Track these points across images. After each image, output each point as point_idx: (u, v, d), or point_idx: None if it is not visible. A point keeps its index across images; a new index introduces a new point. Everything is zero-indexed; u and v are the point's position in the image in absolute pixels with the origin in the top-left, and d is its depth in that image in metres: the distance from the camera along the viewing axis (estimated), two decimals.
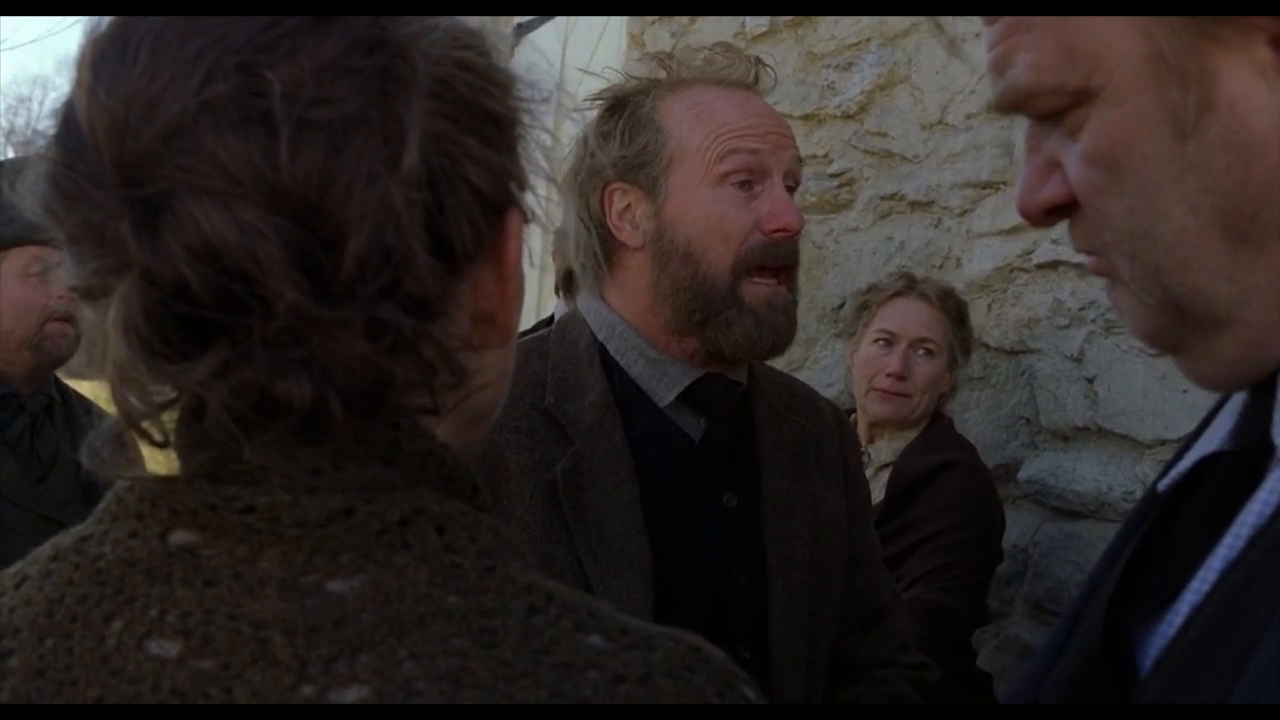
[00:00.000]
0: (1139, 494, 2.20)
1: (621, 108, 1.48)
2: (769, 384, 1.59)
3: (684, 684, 0.60)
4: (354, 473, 0.62)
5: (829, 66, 3.05)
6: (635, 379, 1.47)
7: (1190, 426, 0.77)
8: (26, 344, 2.25)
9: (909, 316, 2.42)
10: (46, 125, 0.63)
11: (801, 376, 2.88)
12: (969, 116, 2.67)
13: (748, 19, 3.25)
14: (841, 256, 3.06)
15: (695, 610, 1.40)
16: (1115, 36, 0.63)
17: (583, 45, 4.18)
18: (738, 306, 1.43)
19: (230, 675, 0.58)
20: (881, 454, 2.43)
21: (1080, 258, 0.71)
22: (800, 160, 1.51)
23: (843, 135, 3.03)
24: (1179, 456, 0.75)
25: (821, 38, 3.07)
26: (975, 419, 2.67)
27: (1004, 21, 0.67)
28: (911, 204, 2.86)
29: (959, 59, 2.52)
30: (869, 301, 2.50)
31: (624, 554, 1.38)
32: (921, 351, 2.41)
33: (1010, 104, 0.68)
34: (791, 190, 1.48)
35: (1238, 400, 0.70)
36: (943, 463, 2.32)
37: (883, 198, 2.94)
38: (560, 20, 4.43)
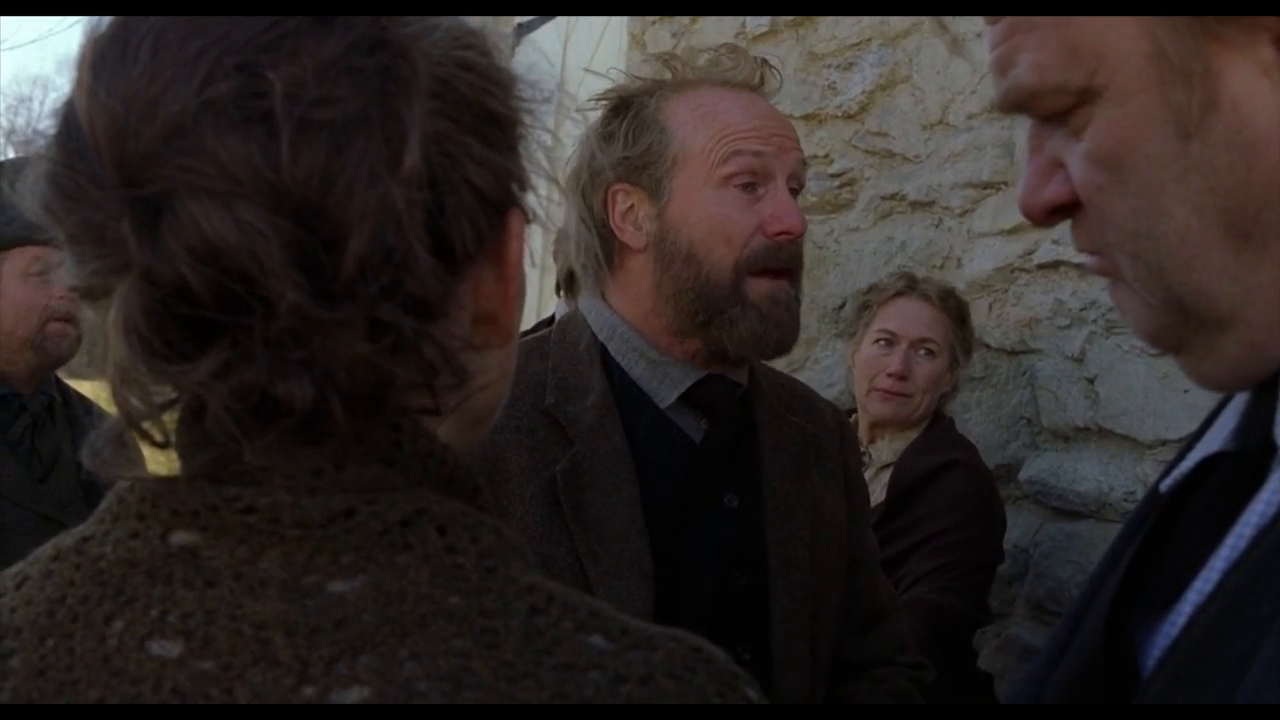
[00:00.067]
0: (1140, 494, 2.20)
1: (626, 108, 1.48)
2: (769, 385, 1.59)
3: (686, 684, 0.60)
4: (355, 473, 0.62)
5: (830, 66, 3.05)
6: (636, 380, 1.47)
7: (1191, 427, 0.77)
8: (28, 344, 2.25)
9: (910, 316, 2.42)
10: (47, 125, 0.63)
11: (802, 376, 2.89)
12: (970, 116, 2.67)
13: (748, 19, 3.25)
14: (842, 256, 3.06)
15: (696, 611, 1.40)
16: (1119, 36, 0.63)
17: (583, 45, 4.18)
18: (741, 304, 1.43)
19: (231, 676, 0.58)
20: (883, 454, 2.43)
21: (1081, 258, 0.71)
22: (804, 163, 1.51)
23: (843, 135, 3.03)
24: (1181, 457, 0.75)
25: (822, 38, 3.07)
26: (976, 419, 2.67)
27: (1006, 21, 0.67)
28: (912, 204, 2.86)
29: (962, 57, 2.52)
30: (870, 301, 2.50)
31: (624, 555, 1.38)
32: (922, 352, 2.41)
33: (1013, 104, 0.68)
34: (795, 193, 1.48)
35: (1240, 400, 0.70)
36: (944, 463, 2.32)
37: (883, 198, 2.94)
38: (561, 20, 4.43)
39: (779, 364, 1.72)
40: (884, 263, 2.91)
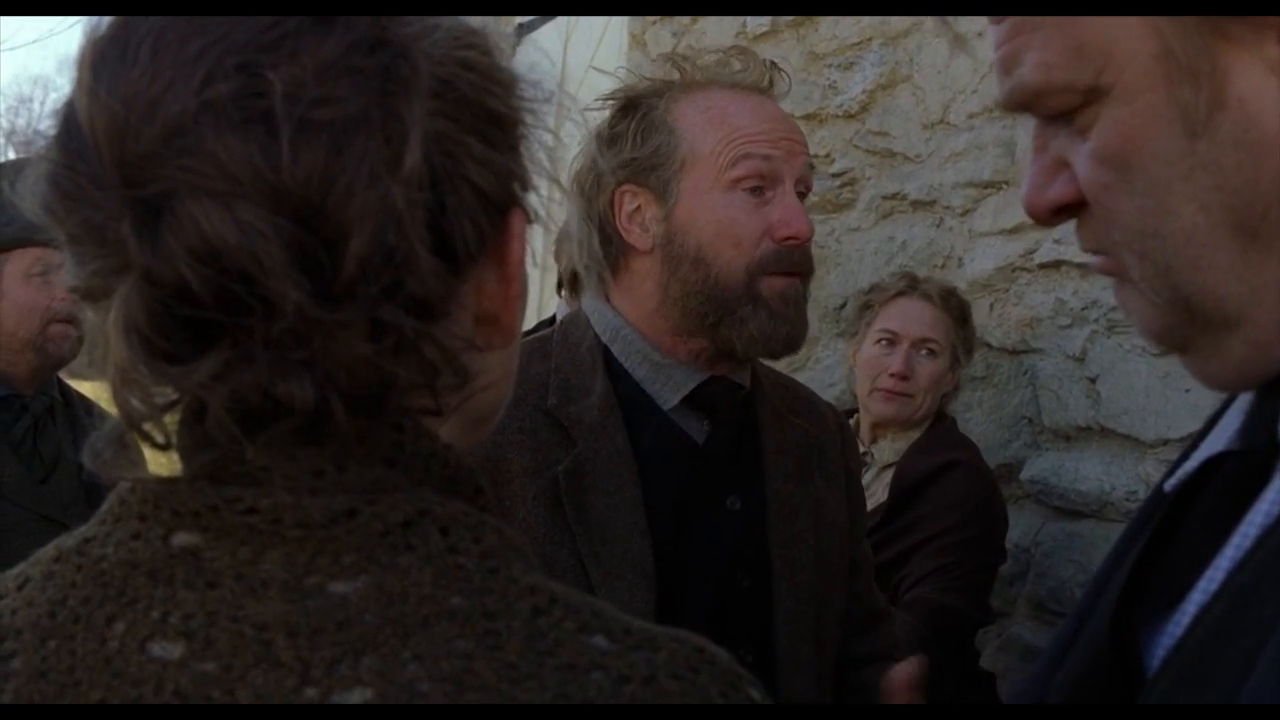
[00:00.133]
0: (1141, 494, 2.20)
1: (634, 109, 1.48)
2: (772, 387, 1.59)
3: (689, 685, 0.60)
4: (357, 474, 0.62)
5: (831, 66, 3.05)
6: (639, 381, 1.47)
7: (1193, 426, 0.77)
8: (29, 345, 2.25)
9: (911, 316, 2.42)
10: (47, 126, 0.62)
11: (803, 376, 2.89)
12: (971, 116, 2.67)
13: (749, 19, 3.25)
14: (843, 256, 3.06)
15: (698, 613, 1.40)
16: (1125, 34, 0.63)
17: (584, 45, 4.18)
18: (753, 302, 1.43)
19: (233, 677, 0.58)
20: (884, 454, 2.43)
21: (1083, 257, 0.71)
22: (812, 166, 1.51)
23: (844, 135, 3.03)
24: (1185, 456, 0.75)
25: (823, 37, 3.07)
26: (977, 419, 2.67)
27: (1011, 20, 0.66)
28: (913, 203, 2.86)
29: (965, 53, 2.51)
30: (871, 301, 2.50)
31: (626, 556, 1.38)
32: (924, 351, 2.41)
33: (1018, 103, 0.68)
34: (803, 196, 1.48)
35: (1244, 400, 0.70)
36: (946, 463, 2.32)
37: (884, 197, 2.94)
38: (561, 20, 4.43)
39: (780, 364, 1.72)
40: (885, 262, 2.91)
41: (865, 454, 2.43)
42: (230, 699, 0.58)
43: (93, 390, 2.39)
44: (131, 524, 0.63)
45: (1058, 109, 0.66)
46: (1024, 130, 2.49)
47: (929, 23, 2.75)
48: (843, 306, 3.00)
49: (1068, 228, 0.70)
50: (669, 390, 1.47)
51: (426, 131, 0.60)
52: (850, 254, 3.04)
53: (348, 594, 0.59)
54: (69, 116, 0.61)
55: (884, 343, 2.43)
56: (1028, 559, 2.50)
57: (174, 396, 0.62)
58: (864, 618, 1.65)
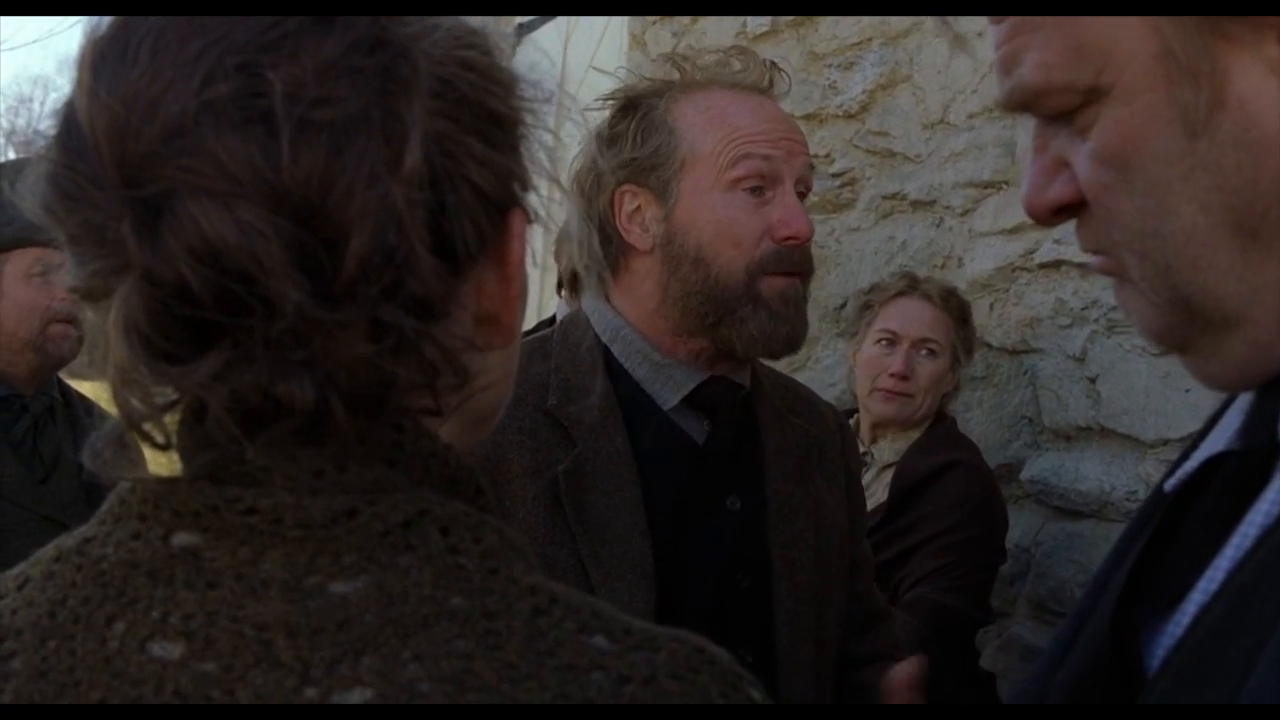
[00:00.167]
0: (1142, 494, 2.20)
1: (634, 109, 1.48)
2: (772, 387, 1.59)
3: (689, 685, 0.60)
4: (357, 474, 0.62)
5: (830, 66, 3.05)
6: (639, 382, 1.47)
7: (1193, 426, 0.77)
8: (29, 345, 2.25)
9: (911, 316, 2.42)
10: (47, 126, 0.62)
11: (803, 376, 2.89)
12: (971, 116, 2.67)
13: (749, 18, 3.25)
14: (843, 256, 3.06)
15: (698, 613, 1.39)
16: (1125, 34, 0.63)
17: (584, 45, 4.18)
18: (754, 302, 1.43)
19: (233, 677, 0.58)
20: (885, 454, 2.43)
21: (1083, 257, 0.71)
22: (812, 166, 1.51)
23: (844, 135, 3.03)
24: (1185, 456, 0.75)
25: (823, 37, 3.07)
26: (977, 419, 2.67)
27: (1011, 20, 0.66)
28: (913, 203, 2.86)
29: (965, 53, 2.51)
30: (871, 301, 2.50)
31: (626, 556, 1.38)
32: (924, 351, 2.41)
33: (1018, 103, 0.68)
34: (803, 196, 1.48)
35: (1244, 400, 0.70)
36: (946, 463, 2.32)
37: (884, 197, 2.94)
38: (561, 20, 4.43)
39: (780, 364, 1.72)
40: (885, 262, 2.91)
41: (865, 454, 2.43)
42: (230, 699, 0.58)
43: (93, 390, 2.39)
44: (131, 524, 0.63)
45: (1058, 109, 0.66)
46: (1024, 130, 2.49)
47: (929, 23, 2.75)
48: (842, 306, 3.00)
49: (1067, 228, 0.70)
50: (669, 390, 1.47)
51: (427, 131, 0.60)
52: (850, 254, 3.04)
53: (348, 594, 0.59)
54: (69, 116, 0.61)
55: (884, 343, 2.43)
56: (1028, 559, 2.50)
57: (174, 396, 0.62)
58: (864, 618, 1.65)
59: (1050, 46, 0.64)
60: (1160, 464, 2.20)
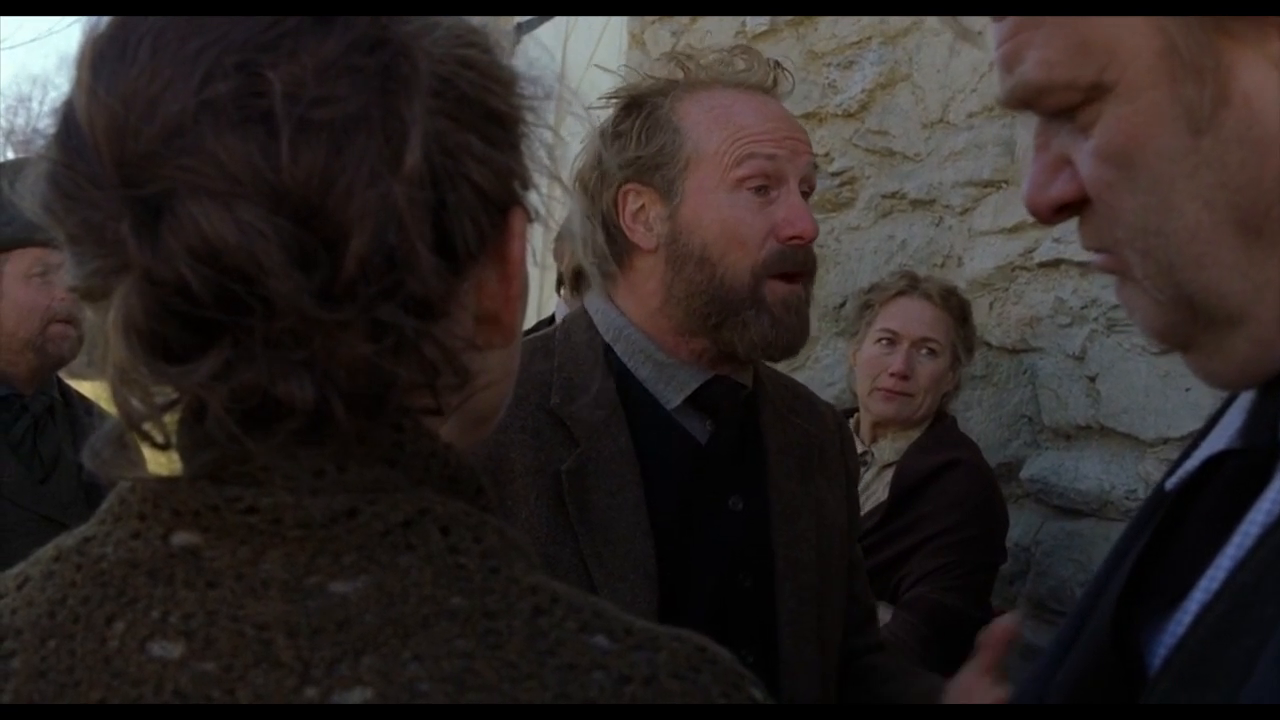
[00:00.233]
0: (1141, 493, 2.20)
1: (638, 108, 1.47)
2: (773, 387, 1.59)
3: (690, 684, 0.60)
4: (357, 474, 0.62)
5: (830, 65, 3.05)
6: (642, 381, 1.47)
7: (1193, 425, 0.77)
8: (29, 345, 2.25)
9: (912, 316, 2.42)
10: (46, 125, 0.62)
11: (802, 376, 2.89)
12: (970, 115, 2.67)
13: (748, 18, 3.25)
14: (843, 255, 3.06)
15: (700, 614, 1.39)
16: (1129, 31, 0.62)
17: (583, 45, 4.18)
18: (757, 306, 1.43)
19: (233, 677, 0.58)
20: (885, 453, 2.43)
21: (1082, 256, 0.71)
22: (816, 166, 1.51)
23: (844, 134, 3.03)
24: (1186, 455, 0.75)
25: (822, 36, 3.07)
26: (977, 418, 2.67)
27: (1013, 17, 0.66)
28: (913, 202, 2.86)
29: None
30: (871, 301, 2.50)
31: (629, 556, 1.37)
32: (924, 351, 2.41)
33: (1020, 100, 0.68)
34: (806, 195, 1.48)
35: (1246, 399, 0.70)
36: (946, 462, 2.32)
37: (884, 196, 2.94)
38: (560, 20, 4.43)
39: (779, 362, 1.72)
40: (884, 261, 2.91)
41: (865, 453, 2.43)
42: (230, 699, 0.58)
43: (92, 390, 2.39)
44: (131, 523, 0.63)
45: (1060, 106, 0.66)
46: (1023, 129, 2.49)
47: (929, 21, 2.74)
48: (842, 305, 3.00)
49: (1067, 226, 0.70)
50: (672, 390, 1.47)
51: (427, 130, 0.60)
52: (850, 253, 3.04)
53: (348, 594, 0.59)
54: (68, 116, 0.61)
55: (884, 342, 2.43)
56: (1027, 558, 2.50)
57: (173, 396, 0.62)
58: (861, 617, 1.66)
59: (1052, 44, 0.64)
60: (1160, 463, 2.20)
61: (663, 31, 3.61)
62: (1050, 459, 2.48)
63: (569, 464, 1.39)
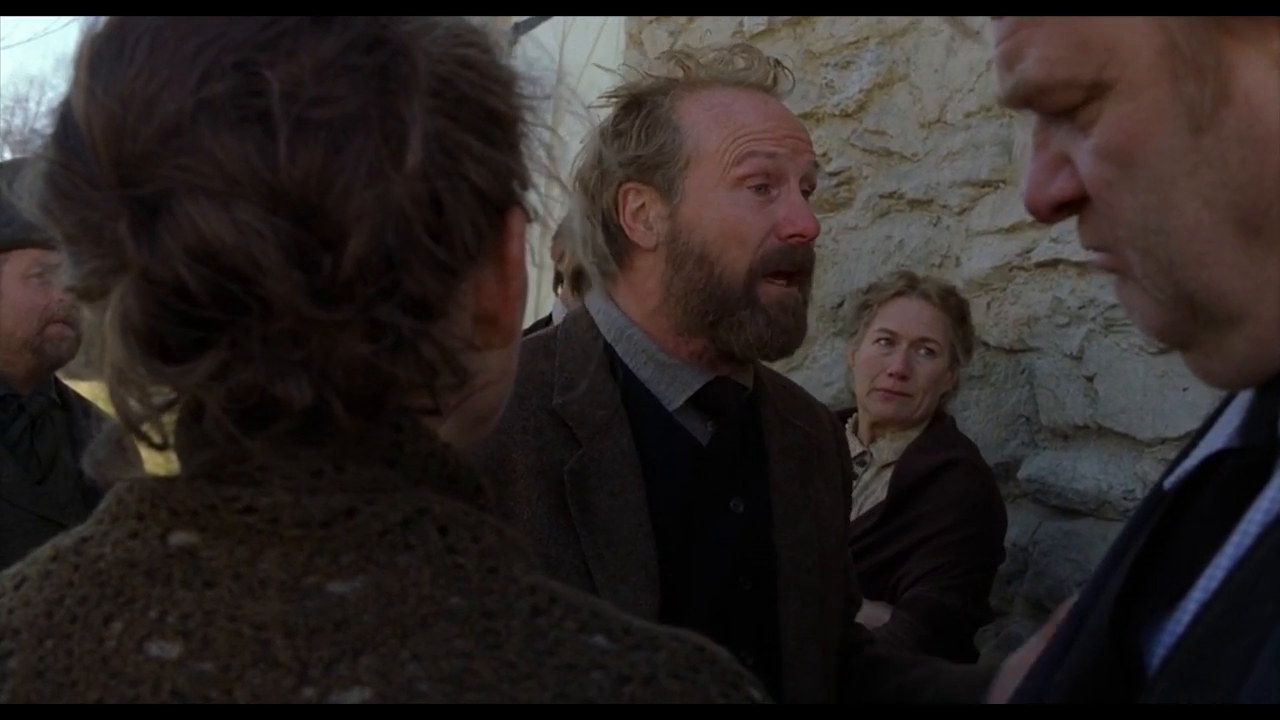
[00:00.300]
0: (1139, 492, 2.20)
1: (638, 107, 1.47)
2: (772, 387, 1.59)
3: (689, 684, 0.60)
4: (355, 473, 0.62)
5: (827, 65, 3.05)
6: (644, 382, 1.46)
7: (1191, 424, 0.77)
8: (27, 346, 2.25)
9: (910, 316, 2.42)
10: (44, 125, 0.62)
11: (800, 376, 2.89)
12: (968, 115, 2.67)
13: (746, 18, 3.25)
14: (840, 255, 3.06)
15: (701, 616, 1.39)
16: (1129, 29, 0.62)
17: (580, 45, 4.18)
18: (752, 307, 1.42)
19: (231, 677, 0.58)
20: (883, 453, 2.43)
21: (1080, 256, 0.71)
22: (816, 164, 1.51)
23: (841, 134, 3.03)
24: (1185, 454, 0.75)
25: (820, 36, 3.07)
26: (975, 418, 2.67)
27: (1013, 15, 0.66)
28: (910, 202, 2.86)
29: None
30: (870, 301, 2.50)
31: (631, 558, 1.37)
32: (923, 351, 2.41)
33: (1020, 99, 0.67)
34: (807, 194, 1.48)
35: (1244, 398, 0.70)
36: (945, 462, 2.32)
37: (881, 196, 2.94)
38: (557, 20, 4.43)
39: (777, 363, 1.72)
40: (882, 261, 2.91)
41: (864, 453, 2.43)
42: (228, 699, 0.58)
43: (90, 390, 2.38)
44: (129, 523, 0.63)
45: (1059, 105, 0.66)
46: (1021, 129, 2.49)
47: (926, 21, 2.75)
48: (840, 305, 3.00)
49: (1064, 226, 0.70)
50: (674, 391, 1.46)
51: (426, 130, 0.60)
52: (847, 253, 3.04)
53: (346, 594, 0.59)
54: (66, 115, 0.61)
55: (883, 342, 2.43)
56: (1025, 558, 2.50)
57: (171, 396, 0.62)
58: (852, 612, 1.68)
59: (1053, 42, 0.64)
60: (1158, 462, 2.20)
61: (660, 31, 3.61)
62: (1048, 459, 2.48)
63: (571, 464, 1.39)
